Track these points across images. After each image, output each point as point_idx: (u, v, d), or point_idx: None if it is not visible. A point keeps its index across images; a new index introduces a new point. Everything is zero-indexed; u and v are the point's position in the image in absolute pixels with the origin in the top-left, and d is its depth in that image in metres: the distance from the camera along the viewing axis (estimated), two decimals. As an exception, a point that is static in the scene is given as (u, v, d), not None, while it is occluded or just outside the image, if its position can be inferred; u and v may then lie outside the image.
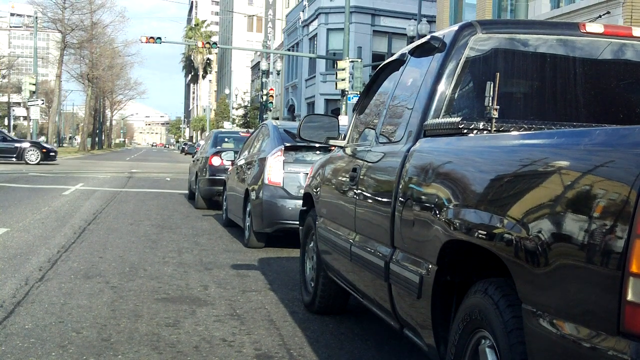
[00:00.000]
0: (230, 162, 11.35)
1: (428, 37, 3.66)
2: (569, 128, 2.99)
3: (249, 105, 60.50)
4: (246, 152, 9.92)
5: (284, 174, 7.93)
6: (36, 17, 46.61)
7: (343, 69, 25.24)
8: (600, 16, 16.35)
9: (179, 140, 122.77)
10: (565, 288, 1.90)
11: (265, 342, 4.31)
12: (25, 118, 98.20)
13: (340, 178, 4.45)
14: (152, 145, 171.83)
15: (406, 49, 4.06)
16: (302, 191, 7.61)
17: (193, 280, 6.18)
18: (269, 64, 44.42)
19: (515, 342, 2.14)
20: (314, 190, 5.15)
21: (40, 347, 4.02)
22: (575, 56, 3.38)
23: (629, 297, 1.66)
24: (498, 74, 2.94)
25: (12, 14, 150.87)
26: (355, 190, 3.97)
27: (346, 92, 25.28)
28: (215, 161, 12.81)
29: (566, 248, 1.90)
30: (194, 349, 4.11)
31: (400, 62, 4.03)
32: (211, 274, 6.52)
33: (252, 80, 66.86)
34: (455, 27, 3.43)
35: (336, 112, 29.94)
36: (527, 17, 12.06)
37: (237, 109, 63.97)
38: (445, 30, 3.55)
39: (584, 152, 1.97)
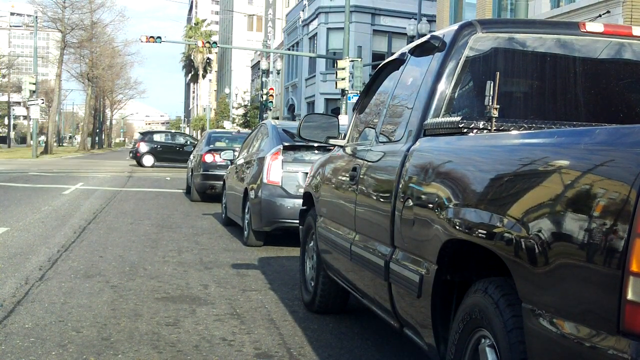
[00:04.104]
0: (228, 161, 11.67)
1: (428, 36, 3.66)
2: (569, 127, 2.99)
3: (249, 104, 60.46)
4: (245, 152, 10.04)
5: (283, 173, 8.02)
6: (36, 17, 46.55)
7: (343, 69, 25.22)
8: (600, 15, 16.34)
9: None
10: (565, 287, 1.90)
11: (265, 342, 4.31)
12: (25, 117, 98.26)
13: (340, 177, 4.46)
14: None
15: (406, 48, 4.06)
16: (301, 190, 7.72)
17: (193, 279, 6.18)
18: (269, 63, 44.40)
19: (515, 342, 2.14)
20: (314, 189, 5.16)
21: (40, 346, 4.02)
22: (575, 55, 3.38)
23: (629, 296, 1.66)
24: (498, 73, 2.94)
25: (12, 14, 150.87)
26: (355, 190, 3.97)
27: (346, 92, 25.26)
28: (208, 158, 14.05)
29: (566, 247, 1.90)
30: (194, 348, 4.11)
31: (400, 62, 4.03)
32: (211, 273, 6.52)
33: (252, 80, 66.81)
34: (455, 27, 3.43)
35: (336, 112, 29.91)
36: (527, 16, 12.04)
37: (237, 108, 63.90)
38: (445, 30, 3.54)
39: (584, 151, 1.97)
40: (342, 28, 27.16)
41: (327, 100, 38.42)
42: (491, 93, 2.86)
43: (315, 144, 7.76)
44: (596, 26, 3.41)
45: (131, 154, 36.43)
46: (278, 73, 50.82)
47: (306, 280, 5.41)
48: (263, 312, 5.09)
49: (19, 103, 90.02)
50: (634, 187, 1.68)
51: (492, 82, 2.86)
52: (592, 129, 2.04)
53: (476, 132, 2.97)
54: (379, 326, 4.77)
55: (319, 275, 5.02)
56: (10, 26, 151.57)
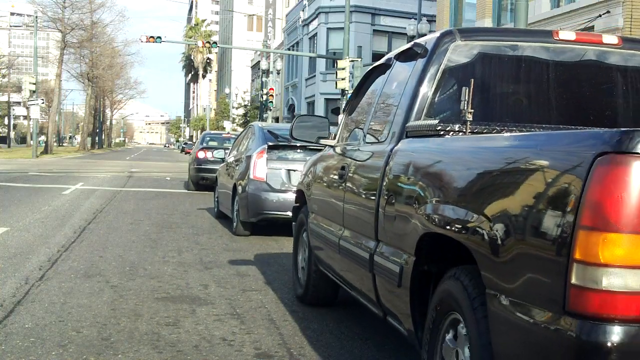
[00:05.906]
0: (219, 158, 13.20)
1: (412, 43, 3.87)
2: (539, 130, 3.23)
3: (249, 104, 60.42)
4: (235, 151, 10.99)
5: (267, 170, 8.85)
6: (36, 17, 46.48)
7: (343, 69, 25.24)
8: (600, 15, 16.34)
9: (179, 139, 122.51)
10: (521, 274, 2.14)
11: (265, 341, 4.32)
12: (25, 117, 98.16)
13: (330, 176, 4.65)
14: (165, 146, 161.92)
15: (392, 53, 4.28)
16: (286, 185, 8.59)
17: (193, 279, 6.20)
18: (269, 63, 44.34)
19: (480, 317, 2.38)
20: (306, 187, 5.34)
21: (40, 347, 4.04)
22: (549, 61, 3.58)
23: (573, 280, 1.90)
24: (472, 79, 3.14)
25: (12, 14, 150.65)
26: (343, 188, 4.17)
27: (346, 92, 25.25)
28: (201, 155, 17.14)
29: (521, 238, 2.14)
30: (194, 348, 4.13)
31: (386, 66, 4.23)
32: (211, 273, 6.54)
33: (252, 80, 66.76)
34: (437, 35, 3.64)
35: (336, 112, 29.94)
36: (527, 16, 12.07)
37: (237, 108, 63.89)
38: (427, 37, 3.75)
39: (539, 152, 2.20)
40: (342, 28, 27.17)
41: (327, 100, 38.41)
42: (466, 98, 3.05)
43: (298, 144, 8.48)
44: (568, 34, 3.62)
45: None
46: (278, 73, 50.80)
47: (298, 274, 5.60)
48: (263, 312, 5.10)
49: (19, 103, 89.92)
50: (578, 182, 1.90)
51: (467, 88, 3.05)
52: (548, 133, 2.31)
53: (452, 134, 3.18)
54: (379, 326, 4.78)
55: (310, 269, 5.21)
56: (10, 26, 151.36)
